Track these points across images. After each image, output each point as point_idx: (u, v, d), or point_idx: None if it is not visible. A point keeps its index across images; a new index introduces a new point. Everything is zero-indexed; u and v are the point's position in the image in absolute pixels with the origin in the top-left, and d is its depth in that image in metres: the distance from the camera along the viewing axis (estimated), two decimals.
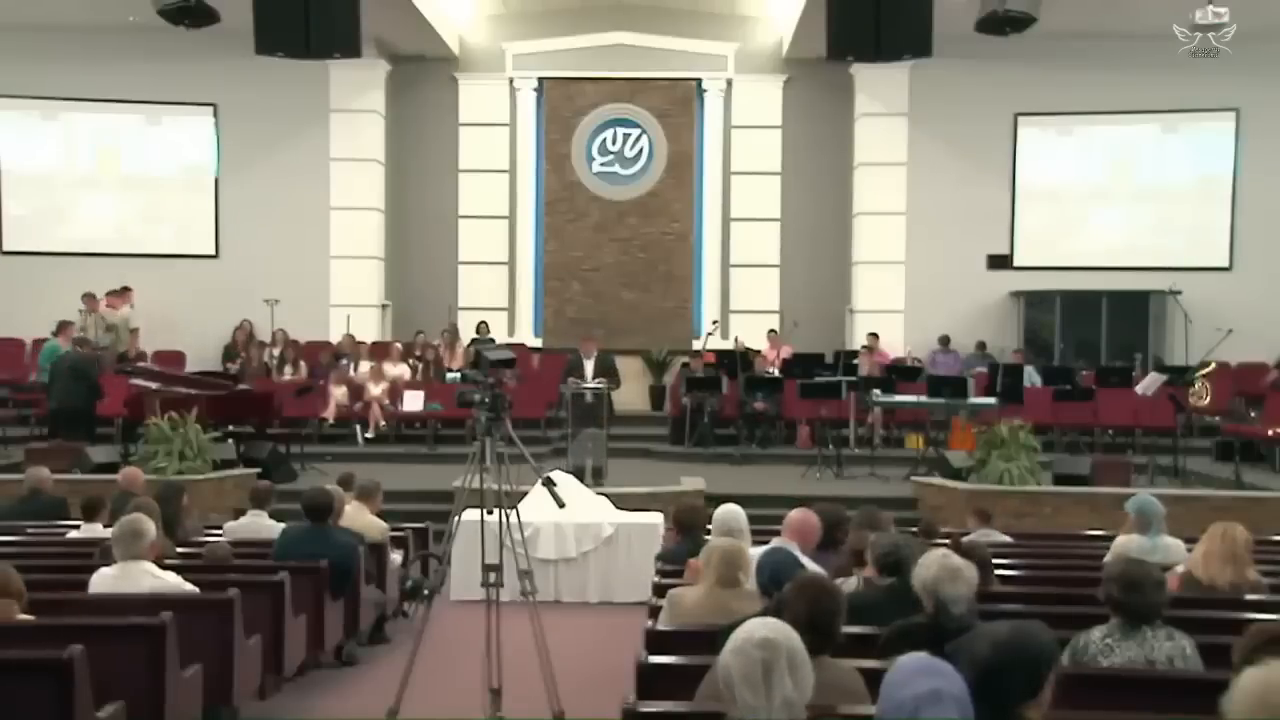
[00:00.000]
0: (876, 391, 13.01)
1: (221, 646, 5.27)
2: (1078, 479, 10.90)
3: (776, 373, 14.20)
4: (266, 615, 5.83)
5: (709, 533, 6.06)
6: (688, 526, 6.59)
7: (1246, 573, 5.37)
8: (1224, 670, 3.65)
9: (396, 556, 8.22)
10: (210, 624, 5.24)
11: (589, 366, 13.29)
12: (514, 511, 5.33)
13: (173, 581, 5.36)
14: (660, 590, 5.35)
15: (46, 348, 13.65)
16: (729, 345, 15.10)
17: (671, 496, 10.19)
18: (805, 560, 5.15)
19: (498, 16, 16.37)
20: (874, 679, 2.94)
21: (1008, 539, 7.92)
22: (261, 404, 12.35)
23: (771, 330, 15.40)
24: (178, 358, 15.08)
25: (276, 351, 14.83)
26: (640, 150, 16.46)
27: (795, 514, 5.44)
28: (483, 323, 15.64)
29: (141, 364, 13.99)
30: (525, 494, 7.01)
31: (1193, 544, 5.77)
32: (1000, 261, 15.93)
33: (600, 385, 12.01)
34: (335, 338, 15.50)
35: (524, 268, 16.60)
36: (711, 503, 7.65)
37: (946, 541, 6.25)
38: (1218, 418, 13.95)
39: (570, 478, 8.88)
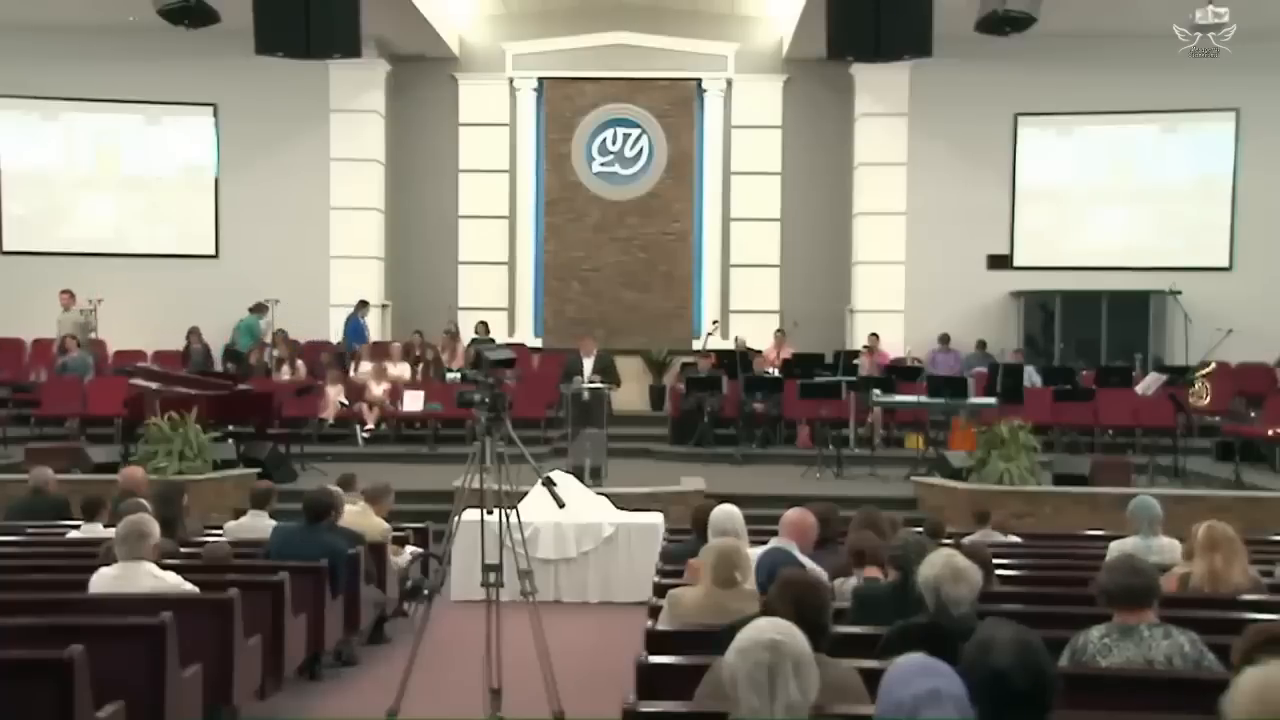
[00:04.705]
0: (876, 391, 13.00)
1: (221, 646, 5.26)
2: (1078, 479, 10.89)
3: (776, 373, 14.20)
4: (266, 615, 5.82)
5: None
6: (702, 526, 6.56)
7: (1247, 567, 5.39)
8: (1222, 670, 3.66)
9: (406, 554, 8.24)
10: (210, 624, 5.23)
11: (588, 366, 13.28)
12: (514, 511, 5.33)
13: (173, 581, 5.36)
14: (660, 590, 5.36)
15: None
16: (729, 345, 15.10)
17: (671, 496, 10.20)
18: (804, 559, 5.16)
19: (498, 16, 16.37)
20: (874, 679, 2.93)
21: (1017, 539, 7.96)
22: (261, 404, 12.34)
23: (779, 330, 15.40)
24: (177, 358, 15.07)
25: (276, 352, 14.83)
26: (640, 150, 16.46)
27: (791, 513, 5.44)
28: (483, 323, 15.63)
29: (141, 364, 13.99)
30: (525, 494, 7.01)
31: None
32: (1000, 261, 15.93)
33: (599, 385, 12.00)
34: (335, 338, 15.51)
35: (524, 268, 16.60)
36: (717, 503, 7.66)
37: (949, 542, 6.25)
38: (1218, 418, 13.95)
39: (570, 478, 8.88)
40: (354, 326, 15.44)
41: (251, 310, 15.06)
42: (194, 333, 15.23)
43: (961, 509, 9.47)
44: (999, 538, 7.74)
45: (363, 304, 15.51)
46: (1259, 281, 15.24)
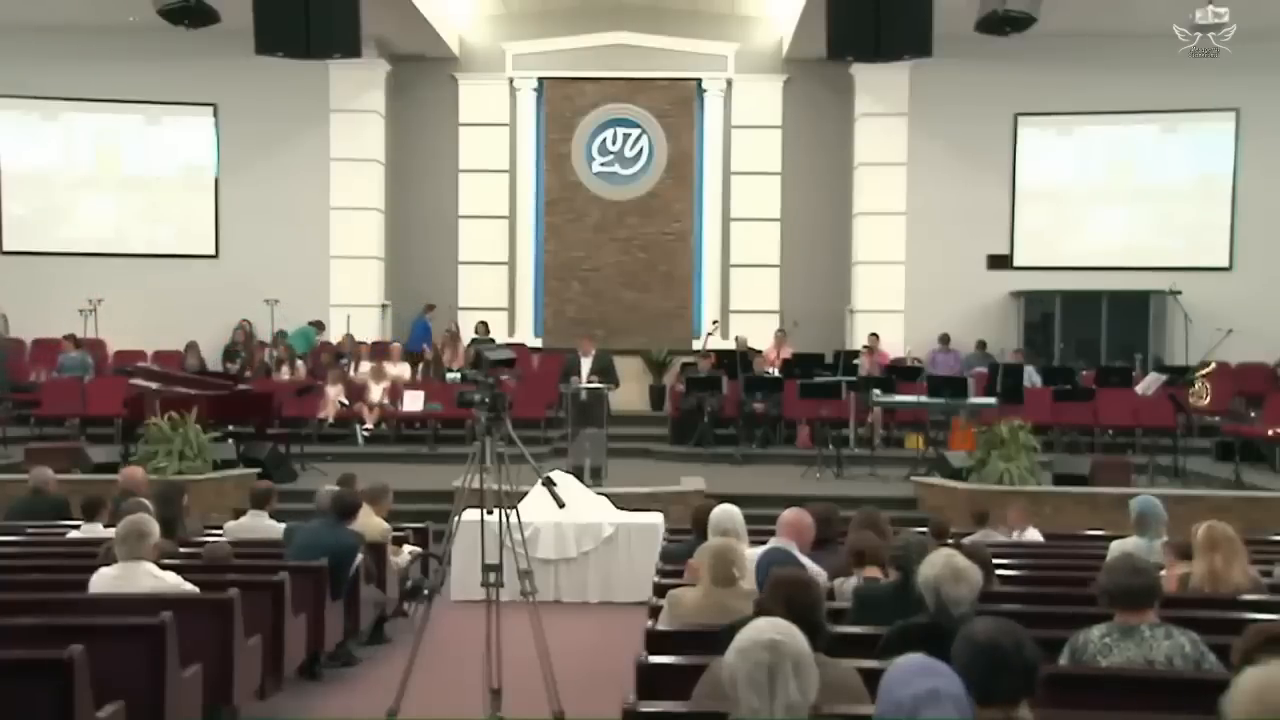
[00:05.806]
0: (876, 391, 13.00)
1: (221, 646, 5.27)
2: (1078, 479, 10.89)
3: (776, 373, 14.19)
4: (266, 615, 5.83)
5: None
6: (702, 526, 6.56)
7: (1247, 567, 5.39)
8: (1223, 670, 3.66)
9: (406, 554, 8.24)
10: (210, 624, 5.24)
11: (585, 366, 13.28)
12: (514, 511, 5.33)
13: (172, 581, 5.36)
14: (660, 590, 5.36)
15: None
16: (729, 345, 15.09)
17: (671, 496, 10.21)
18: (803, 559, 5.17)
19: (498, 16, 16.37)
20: (874, 679, 2.94)
21: (1038, 536, 7.98)
22: (261, 404, 12.34)
23: (779, 330, 15.40)
24: (178, 358, 15.06)
25: (276, 352, 14.81)
26: (640, 150, 16.46)
27: (789, 513, 5.44)
28: (483, 323, 15.64)
29: (141, 364, 13.99)
30: (525, 494, 7.01)
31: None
32: (1000, 261, 15.93)
33: (597, 385, 11.98)
34: (335, 338, 15.51)
35: (524, 268, 16.60)
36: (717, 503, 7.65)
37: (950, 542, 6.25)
38: (1218, 418, 13.94)
39: (570, 478, 8.88)
40: (421, 327, 15.77)
41: (311, 323, 15.51)
42: (191, 347, 15.09)
43: (961, 509, 9.48)
44: (999, 538, 7.74)
45: (430, 306, 15.99)
46: (1259, 281, 15.24)
